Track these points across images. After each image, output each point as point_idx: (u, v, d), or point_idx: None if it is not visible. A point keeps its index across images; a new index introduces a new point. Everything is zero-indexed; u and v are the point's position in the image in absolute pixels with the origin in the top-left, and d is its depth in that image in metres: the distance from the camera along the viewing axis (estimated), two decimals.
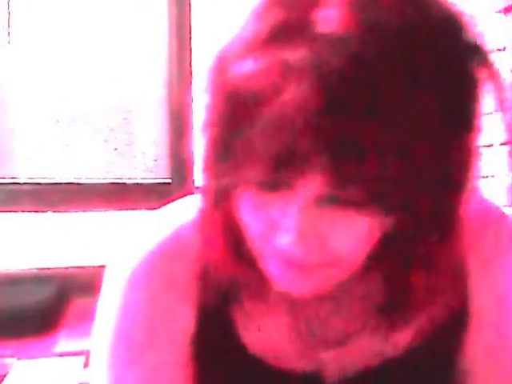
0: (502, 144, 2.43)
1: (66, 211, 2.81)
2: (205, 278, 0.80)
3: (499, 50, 2.42)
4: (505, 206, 2.44)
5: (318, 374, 0.83)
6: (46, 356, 2.17)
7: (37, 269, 2.71)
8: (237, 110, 0.64)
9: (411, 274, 0.74)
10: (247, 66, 0.63)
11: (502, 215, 0.86)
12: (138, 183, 2.98)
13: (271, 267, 0.71)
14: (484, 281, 0.83)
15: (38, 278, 2.62)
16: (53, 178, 2.86)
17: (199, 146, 0.73)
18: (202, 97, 0.71)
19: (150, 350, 0.80)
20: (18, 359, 2.23)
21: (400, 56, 0.62)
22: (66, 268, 2.73)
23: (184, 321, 0.82)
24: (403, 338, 0.81)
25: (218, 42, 0.71)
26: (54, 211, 2.79)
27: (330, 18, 0.62)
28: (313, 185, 0.64)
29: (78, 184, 2.88)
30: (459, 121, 0.66)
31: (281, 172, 0.64)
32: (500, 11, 2.46)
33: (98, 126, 2.91)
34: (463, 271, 0.82)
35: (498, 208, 0.87)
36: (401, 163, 0.62)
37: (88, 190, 2.88)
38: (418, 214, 0.67)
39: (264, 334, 0.82)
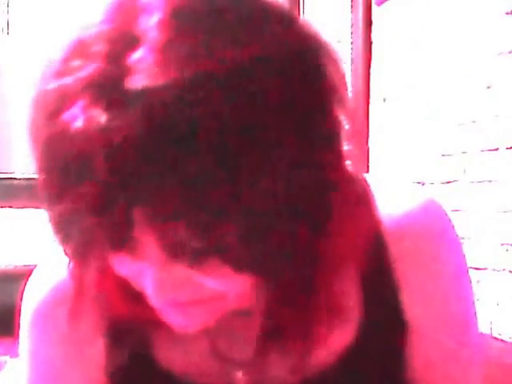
0: (508, 148, 2.42)
1: None
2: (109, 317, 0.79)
3: (509, 52, 2.41)
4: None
5: None
6: None
7: (31, 265, 2.68)
8: (49, 171, 0.63)
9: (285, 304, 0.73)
10: (56, 125, 0.61)
11: (438, 215, 0.82)
12: None
13: (156, 306, 0.71)
14: (418, 291, 0.80)
15: None
16: None
17: None
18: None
19: None
20: (11, 357, 2.22)
21: (224, 112, 0.59)
22: None
23: (91, 361, 0.81)
24: (320, 356, 0.79)
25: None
26: None
27: (143, 70, 0.60)
28: (157, 243, 0.63)
29: None
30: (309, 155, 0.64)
31: (113, 241, 0.63)
32: (508, 13, 2.45)
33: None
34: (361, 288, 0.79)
35: (435, 208, 0.82)
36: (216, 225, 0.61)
37: None
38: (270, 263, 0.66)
39: (184, 354, 0.81)
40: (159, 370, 0.81)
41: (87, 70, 0.61)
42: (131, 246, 0.64)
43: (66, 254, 0.70)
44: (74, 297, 0.77)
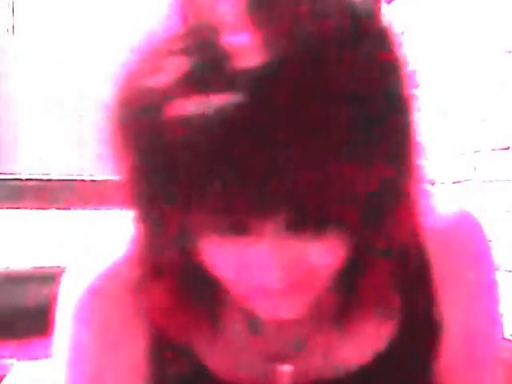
0: None
1: (70, 208, 2.83)
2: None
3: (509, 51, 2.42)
4: None
5: None
6: (46, 357, 2.14)
7: (38, 267, 2.70)
8: (168, 158, 0.63)
9: (363, 280, 0.75)
10: (170, 112, 0.61)
11: (475, 226, 0.86)
12: None
13: (249, 301, 0.72)
14: (454, 293, 0.83)
15: (39, 277, 2.61)
16: (56, 175, 2.89)
17: None
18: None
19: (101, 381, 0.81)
20: (18, 360, 2.22)
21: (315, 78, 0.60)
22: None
23: (134, 352, 0.82)
24: (366, 348, 0.82)
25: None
26: (57, 208, 2.81)
27: (241, 50, 0.60)
28: (275, 218, 0.64)
29: (81, 181, 2.91)
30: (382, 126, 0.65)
31: (238, 214, 0.64)
32: None
33: (103, 122, 2.92)
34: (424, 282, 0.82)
35: (471, 218, 0.86)
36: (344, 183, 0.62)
37: (91, 188, 2.91)
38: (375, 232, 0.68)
39: (223, 352, 0.82)
40: (197, 364, 0.81)
41: (182, 62, 0.62)
42: (249, 229, 0.65)
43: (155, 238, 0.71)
44: (137, 282, 0.77)
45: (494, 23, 2.57)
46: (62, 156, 2.91)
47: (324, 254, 0.68)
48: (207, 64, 0.61)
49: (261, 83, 0.59)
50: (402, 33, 0.69)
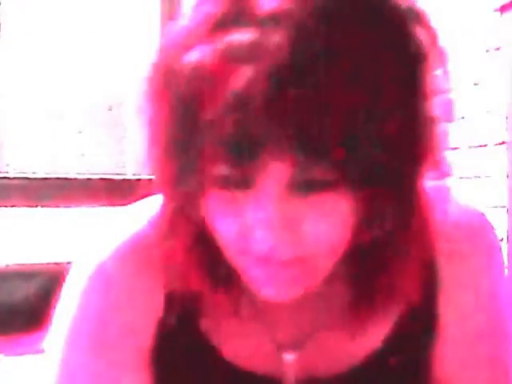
0: (496, 144, 2.44)
1: (56, 206, 2.82)
2: (169, 284, 0.78)
3: (496, 49, 2.44)
4: (500, 207, 2.45)
5: (279, 378, 0.81)
6: (33, 353, 2.17)
7: (24, 264, 2.71)
8: (189, 103, 0.63)
9: (377, 271, 0.73)
10: (194, 56, 0.62)
11: (482, 225, 0.83)
12: (128, 179, 2.99)
13: (249, 273, 0.70)
14: (454, 294, 0.81)
15: (26, 274, 2.62)
16: (42, 173, 2.87)
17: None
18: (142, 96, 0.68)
19: (103, 356, 0.78)
20: (5, 356, 2.23)
21: (343, 28, 0.62)
22: (54, 264, 2.73)
23: (144, 326, 0.80)
24: (367, 343, 0.80)
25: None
26: (44, 206, 2.80)
27: None
28: (279, 172, 0.63)
29: (67, 179, 2.89)
30: (409, 89, 0.65)
31: (242, 163, 0.63)
32: (496, 10, 2.48)
33: (89, 120, 2.93)
34: (431, 274, 0.79)
35: (477, 217, 0.83)
36: (364, 136, 0.62)
37: (78, 186, 2.89)
38: (384, 189, 0.66)
39: (232, 335, 0.80)
40: (208, 349, 0.80)
41: (215, 4, 0.63)
42: (255, 180, 0.64)
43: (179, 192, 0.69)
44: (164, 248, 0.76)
45: (472, 22, 2.59)
46: (46, 154, 2.91)
47: (324, 223, 0.66)
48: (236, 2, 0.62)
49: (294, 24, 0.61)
50: None
